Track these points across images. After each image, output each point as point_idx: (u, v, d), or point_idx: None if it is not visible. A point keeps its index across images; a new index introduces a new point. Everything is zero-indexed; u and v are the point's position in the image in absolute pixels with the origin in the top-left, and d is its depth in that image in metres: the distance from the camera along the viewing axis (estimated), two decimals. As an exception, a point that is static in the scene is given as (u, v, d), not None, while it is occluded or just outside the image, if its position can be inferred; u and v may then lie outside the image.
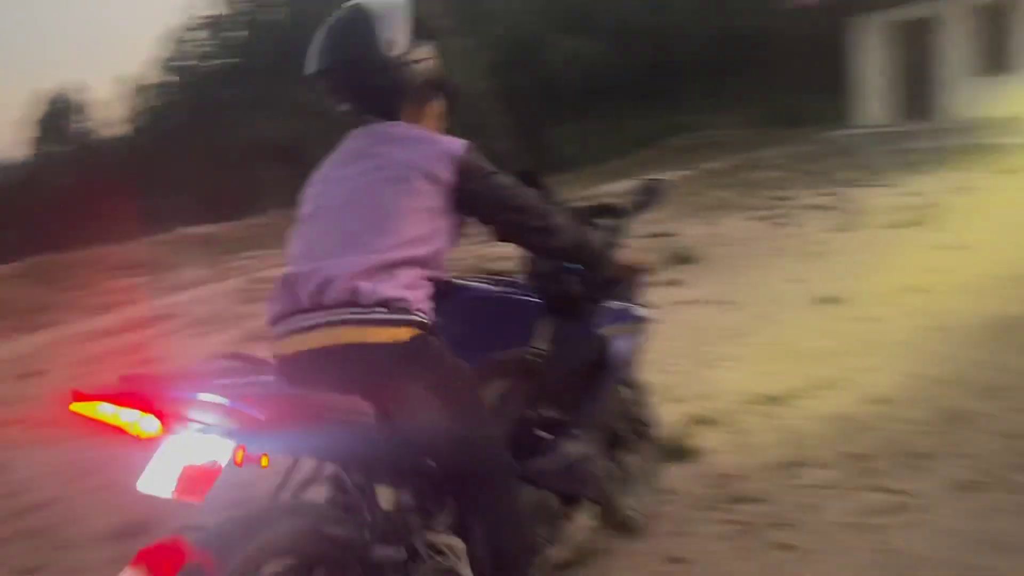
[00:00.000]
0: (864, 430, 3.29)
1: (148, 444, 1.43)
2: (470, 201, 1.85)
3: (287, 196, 3.19)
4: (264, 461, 1.51)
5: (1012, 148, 11.18)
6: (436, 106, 2.00)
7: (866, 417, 3.41)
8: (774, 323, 4.91)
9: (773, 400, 3.70)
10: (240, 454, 1.45)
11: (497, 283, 2.25)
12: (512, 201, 1.88)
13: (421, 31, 1.90)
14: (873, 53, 18.02)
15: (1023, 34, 15.58)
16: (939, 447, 3.06)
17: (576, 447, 2.20)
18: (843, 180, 10.62)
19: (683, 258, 7.02)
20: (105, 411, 1.40)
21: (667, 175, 14.45)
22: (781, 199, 9.94)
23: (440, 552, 1.79)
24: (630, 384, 2.58)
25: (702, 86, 29.00)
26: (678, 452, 3.10)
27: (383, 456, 1.75)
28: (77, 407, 1.41)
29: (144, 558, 1.33)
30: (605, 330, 2.34)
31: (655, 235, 8.43)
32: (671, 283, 6.20)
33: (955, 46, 16.74)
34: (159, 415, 1.37)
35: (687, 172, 14.67)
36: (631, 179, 15.22)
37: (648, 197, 2.51)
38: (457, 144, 1.86)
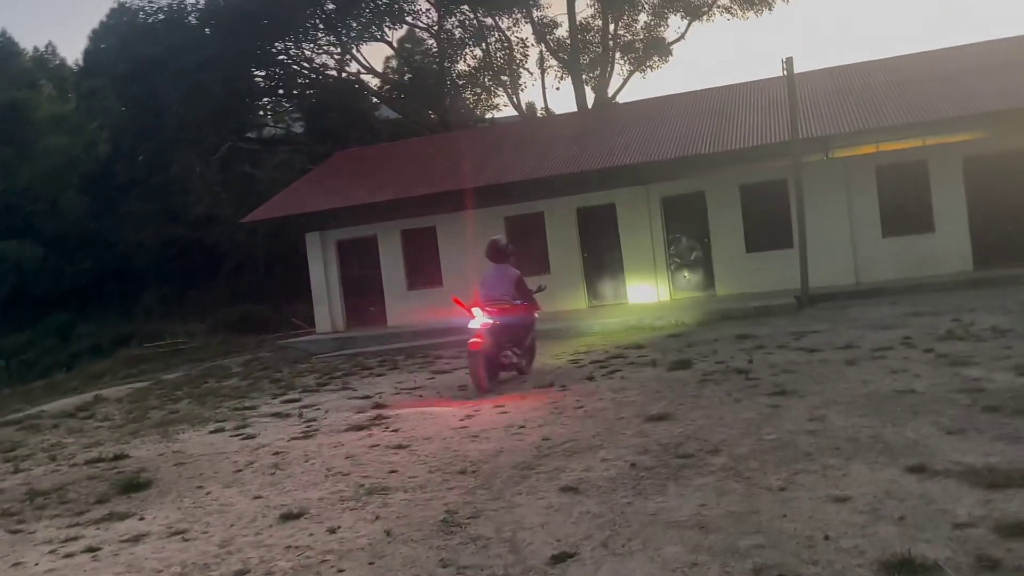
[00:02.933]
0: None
1: (472, 316, 9.20)
2: (517, 286, 9.74)
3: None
4: (495, 321, 9.39)
5: (442, 347, 12.89)
6: (514, 258, 10.23)
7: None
8: (239, 551, 4.46)
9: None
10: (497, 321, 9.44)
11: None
12: (525, 287, 9.86)
13: (511, 241, 10.88)
14: (329, 266, 19.51)
15: (446, 252, 18.51)
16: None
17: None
18: (303, 386, 10.87)
19: (133, 485, 6.18)
20: (466, 307, 9.43)
21: (119, 390, 13.13)
22: (244, 408, 9.69)
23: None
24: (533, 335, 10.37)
25: (161, 293, 27.97)
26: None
27: (515, 325, 9.62)
28: (456, 303, 9.59)
29: (472, 344, 9.09)
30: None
31: (95, 461, 7.37)
32: (114, 517, 5.35)
33: (392, 263, 19.13)
34: (482, 310, 9.30)
35: (142, 384, 13.57)
36: (75, 395, 13.47)
37: (540, 289, 10.24)
38: (518, 271, 9.91)
